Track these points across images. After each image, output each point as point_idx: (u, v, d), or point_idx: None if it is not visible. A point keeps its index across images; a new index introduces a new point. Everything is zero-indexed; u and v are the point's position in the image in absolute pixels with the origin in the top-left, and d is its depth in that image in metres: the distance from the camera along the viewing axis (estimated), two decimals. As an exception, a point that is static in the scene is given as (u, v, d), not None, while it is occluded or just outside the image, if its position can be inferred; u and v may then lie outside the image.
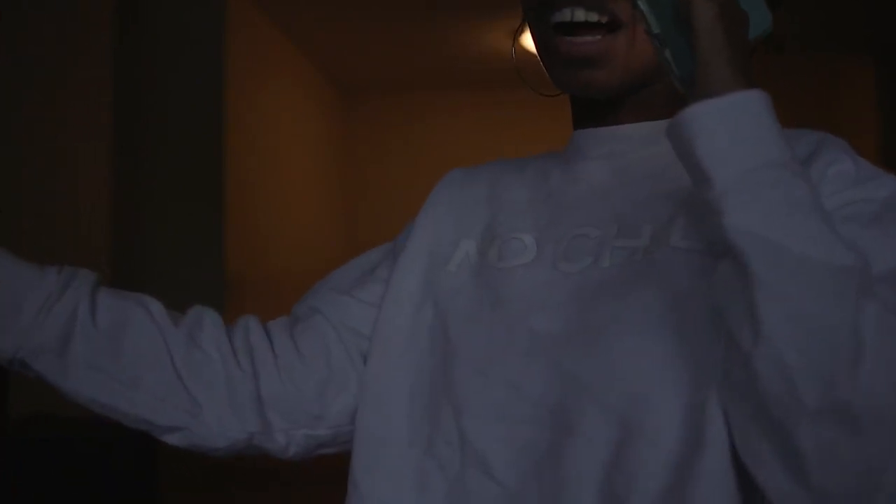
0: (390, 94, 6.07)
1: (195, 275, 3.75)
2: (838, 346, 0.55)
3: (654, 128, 0.75)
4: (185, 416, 0.78)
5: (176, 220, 3.78)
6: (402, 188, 5.99)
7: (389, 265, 0.83)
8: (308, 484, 2.61)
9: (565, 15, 0.70)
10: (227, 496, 3.37)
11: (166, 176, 3.77)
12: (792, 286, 0.56)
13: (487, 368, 0.72)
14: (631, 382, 0.67)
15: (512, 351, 0.71)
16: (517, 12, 0.78)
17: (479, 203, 0.83)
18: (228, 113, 3.90)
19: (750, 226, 0.57)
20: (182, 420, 0.79)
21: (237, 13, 4.05)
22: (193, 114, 3.83)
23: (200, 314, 0.81)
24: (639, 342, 0.67)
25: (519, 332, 0.72)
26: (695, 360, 0.65)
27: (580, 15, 0.69)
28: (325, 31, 4.82)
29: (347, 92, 6.07)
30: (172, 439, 0.80)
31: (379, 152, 6.16)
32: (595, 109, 0.77)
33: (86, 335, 0.75)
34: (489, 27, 4.56)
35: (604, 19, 0.69)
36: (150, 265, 3.73)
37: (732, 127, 0.59)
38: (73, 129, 3.14)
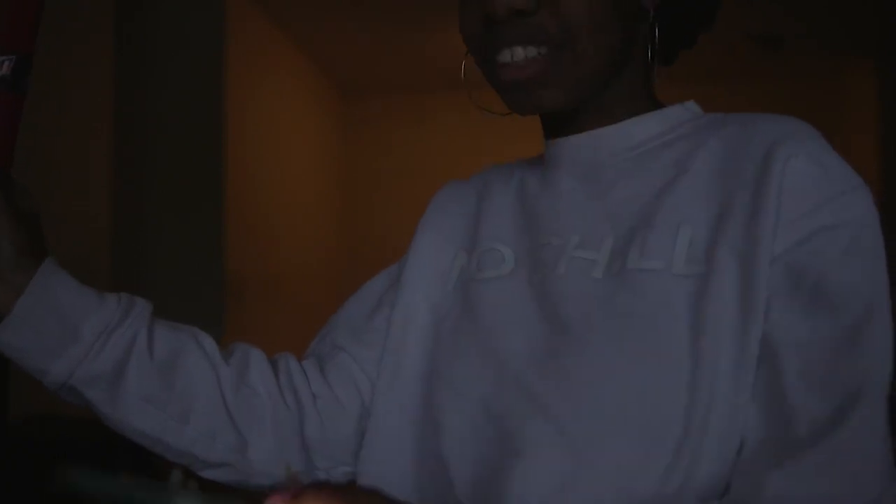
0: (390, 95, 6.07)
1: (195, 274, 3.75)
2: None
3: (619, 130, 0.76)
4: (231, 453, 0.78)
5: (176, 220, 3.78)
6: (403, 189, 6.00)
7: (396, 290, 0.84)
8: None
9: (505, 56, 0.71)
10: (226, 496, 3.36)
11: (166, 176, 3.77)
12: None
13: (464, 388, 0.73)
14: (588, 411, 0.66)
15: (486, 371, 0.72)
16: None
17: (469, 212, 0.84)
18: (228, 113, 3.90)
19: None
20: (228, 457, 0.78)
21: (237, 13, 4.05)
22: (193, 114, 3.83)
23: (247, 351, 0.81)
24: (597, 371, 0.67)
25: (492, 351, 0.73)
26: (650, 396, 0.65)
27: (520, 54, 0.70)
28: (325, 31, 4.81)
29: (347, 92, 6.07)
30: (214, 474, 0.79)
31: (379, 153, 6.15)
32: (560, 119, 0.78)
33: (140, 366, 0.74)
34: (489, 27, 4.55)
35: (543, 50, 0.70)
36: (150, 265, 3.73)
37: None
38: (73, 129, 3.14)
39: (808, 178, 0.66)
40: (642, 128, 0.76)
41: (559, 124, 0.79)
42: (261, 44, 4.47)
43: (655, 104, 0.80)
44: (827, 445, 0.59)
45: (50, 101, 3.01)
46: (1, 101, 0.70)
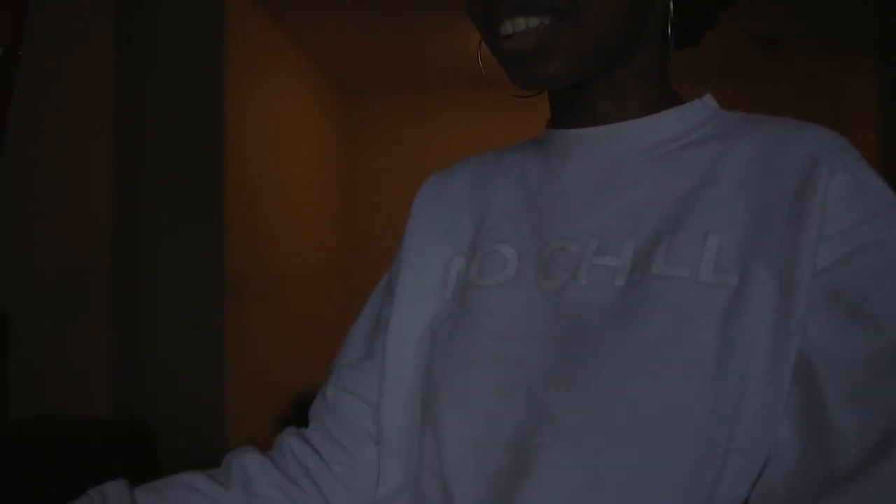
0: (390, 95, 6.07)
1: (195, 274, 3.75)
2: None
3: (640, 126, 0.72)
4: None
5: (176, 220, 3.78)
6: (403, 189, 5.97)
7: (389, 301, 0.81)
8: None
9: (507, 28, 0.68)
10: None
11: (166, 176, 3.77)
12: None
13: (468, 400, 0.70)
14: (604, 428, 0.63)
15: (492, 383, 0.69)
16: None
17: (462, 209, 0.80)
18: (228, 113, 3.90)
19: None
20: None
21: (237, 13, 4.05)
22: (193, 114, 3.83)
23: (242, 461, 0.77)
24: (614, 384, 0.63)
25: (499, 362, 0.69)
26: (670, 412, 0.61)
27: (521, 24, 0.67)
28: (325, 31, 4.81)
29: (347, 92, 6.07)
30: None
31: (379, 153, 6.15)
32: (572, 105, 0.75)
33: None
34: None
35: (546, 20, 0.67)
36: (150, 265, 3.73)
37: None
38: (73, 129, 3.14)
39: (852, 194, 0.64)
40: (664, 125, 0.72)
41: (571, 111, 0.75)
42: (261, 44, 4.47)
43: (674, 95, 0.75)
44: (877, 476, 0.55)
45: (50, 101, 3.01)
46: None
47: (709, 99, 0.75)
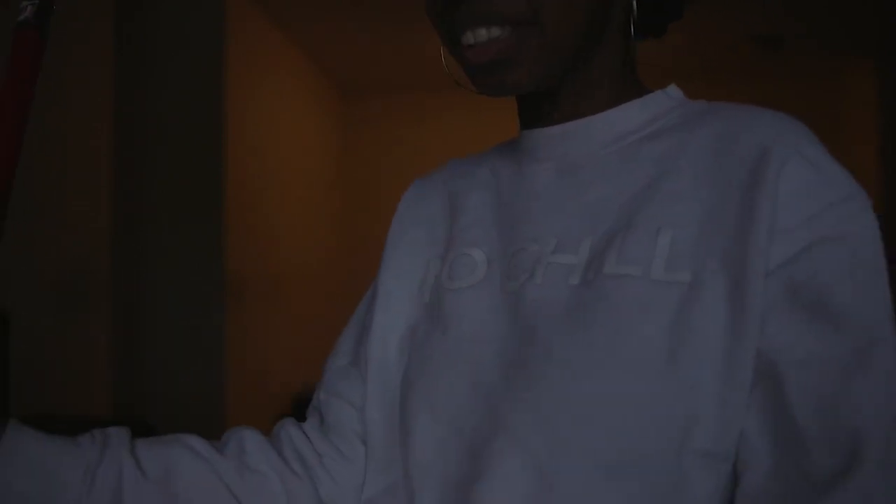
0: (390, 95, 6.07)
1: (195, 274, 3.75)
2: None
3: (599, 121, 0.71)
4: None
5: (176, 220, 3.77)
6: (403, 189, 5.97)
7: (372, 309, 0.80)
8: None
9: (469, 38, 0.68)
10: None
11: (166, 176, 3.77)
12: None
13: (436, 405, 0.69)
14: (552, 431, 0.61)
15: (458, 387, 0.68)
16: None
17: (439, 214, 0.80)
18: (228, 113, 3.90)
19: None
20: None
21: (237, 13, 4.05)
22: (193, 114, 3.83)
23: (240, 436, 0.78)
24: (565, 388, 0.62)
25: (465, 366, 0.69)
26: (621, 412, 0.60)
27: (482, 34, 0.67)
28: (325, 31, 4.81)
29: (347, 92, 6.06)
30: None
31: (379, 152, 6.15)
32: (535, 106, 0.74)
33: (137, 490, 0.71)
34: (489, 27, 4.54)
35: (507, 30, 0.66)
36: (150, 265, 3.72)
37: None
38: (73, 129, 3.14)
39: (805, 185, 0.61)
40: (624, 117, 0.71)
41: (535, 112, 0.74)
42: (261, 44, 4.47)
43: (639, 87, 0.74)
44: (856, 481, 0.53)
45: (50, 101, 3.01)
46: (27, 43, 0.69)
47: (672, 89, 0.73)
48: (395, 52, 5.19)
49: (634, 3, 0.70)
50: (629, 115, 0.71)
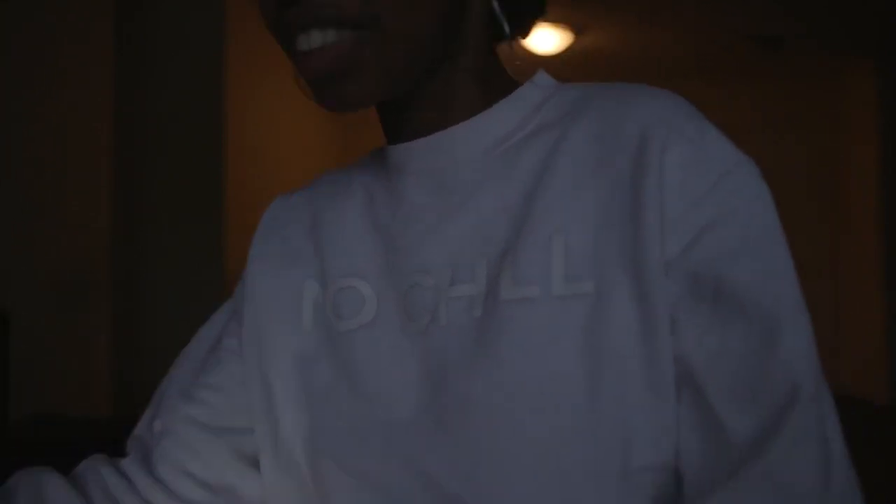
0: (390, 95, 6.07)
1: (195, 274, 3.75)
2: None
3: (469, 128, 0.64)
4: None
5: (176, 220, 3.78)
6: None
7: (236, 329, 0.73)
8: None
9: (303, 43, 0.60)
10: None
11: (166, 176, 3.77)
12: None
13: (352, 466, 0.62)
14: (474, 482, 0.56)
15: (372, 445, 0.61)
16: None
17: (307, 234, 0.72)
18: (228, 113, 3.90)
19: None
20: None
21: (237, 13, 4.05)
22: (193, 114, 3.83)
23: (38, 485, 0.65)
24: (482, 435, 0.57)
25: (374, 421, 0.61)
26: (548, 448, 0.55)
27: (317, 39, 0.59)
28: (325, 31, 4.81)
29: (347, 92, 6.07)
30: None
31: (379, 152, 6.16)
32: (399, 119, 0.66)
33: None
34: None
35: (345, 32, 0.58)
36: (150, 265, 3.72)
37: None
38: (73, 129, 3.14)
39: (693, 166, 0.57)
40: (495, 121, 0.64)
41: (397, 123, 0.66)
42: (261, 44, 4.46)
43: (507, 84, 0.67)
44: (761, 462, 0.51)
45: (50, 101, 3.01)
46: None
47: (540, 77, 0.67)
48: (395, 52, 5.19)
49: (496, 4, 0.65)
50: (500, 118, 0.64)
